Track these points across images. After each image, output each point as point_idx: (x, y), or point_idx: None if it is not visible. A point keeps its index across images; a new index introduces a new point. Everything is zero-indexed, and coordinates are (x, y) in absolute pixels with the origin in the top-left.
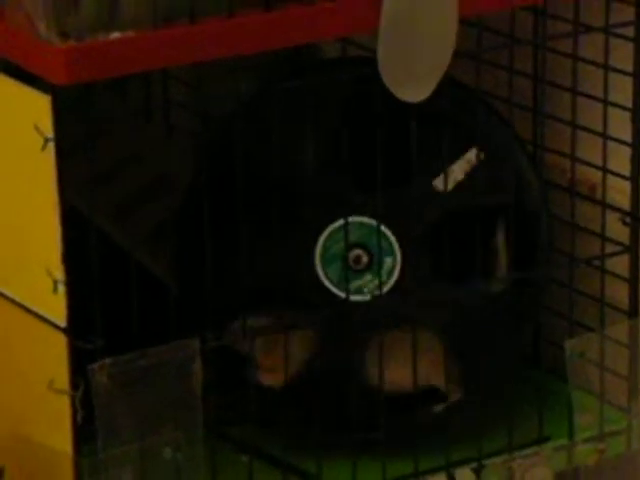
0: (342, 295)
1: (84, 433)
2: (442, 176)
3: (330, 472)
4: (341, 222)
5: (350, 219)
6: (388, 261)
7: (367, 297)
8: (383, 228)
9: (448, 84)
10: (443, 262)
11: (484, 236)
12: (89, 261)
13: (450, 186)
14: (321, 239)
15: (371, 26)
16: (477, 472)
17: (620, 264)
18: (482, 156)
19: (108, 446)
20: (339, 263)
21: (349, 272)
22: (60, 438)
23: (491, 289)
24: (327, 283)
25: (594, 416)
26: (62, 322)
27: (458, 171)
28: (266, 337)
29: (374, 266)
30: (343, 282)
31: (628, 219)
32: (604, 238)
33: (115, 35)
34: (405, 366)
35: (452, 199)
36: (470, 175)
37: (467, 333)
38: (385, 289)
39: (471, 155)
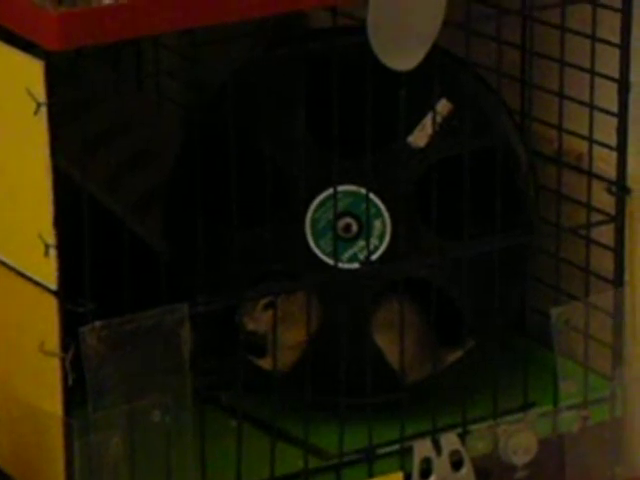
0: (338, 265)
1: (74, 396)
2: (415, 133)
3: (318, 437)
4: (327, 193)
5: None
6: (377, 225)
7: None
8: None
9: (437, 53)
10: (431, 219)
11: (473, 189)
12: (80, 225)
13: (423, 141)
14: (309, 212)
15: None
16: (462, 437)
17: (606, 233)
18: (450, 107)
19: (98, 408)
20: (330, 234)
21: (340, 242)
22: (50, 400)
23: (481, 249)
24: (321, 255)
25: (578, 383)
26: (53, 285)
27: (428, 125)
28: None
29: (364, 232)
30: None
31: (614, 189)
32: (590, 207)
33: (108, 1)
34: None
35: (429, 153)
36: (446, 127)
37: (461, 292)
38: (378, 253)
39: (440, 106)
